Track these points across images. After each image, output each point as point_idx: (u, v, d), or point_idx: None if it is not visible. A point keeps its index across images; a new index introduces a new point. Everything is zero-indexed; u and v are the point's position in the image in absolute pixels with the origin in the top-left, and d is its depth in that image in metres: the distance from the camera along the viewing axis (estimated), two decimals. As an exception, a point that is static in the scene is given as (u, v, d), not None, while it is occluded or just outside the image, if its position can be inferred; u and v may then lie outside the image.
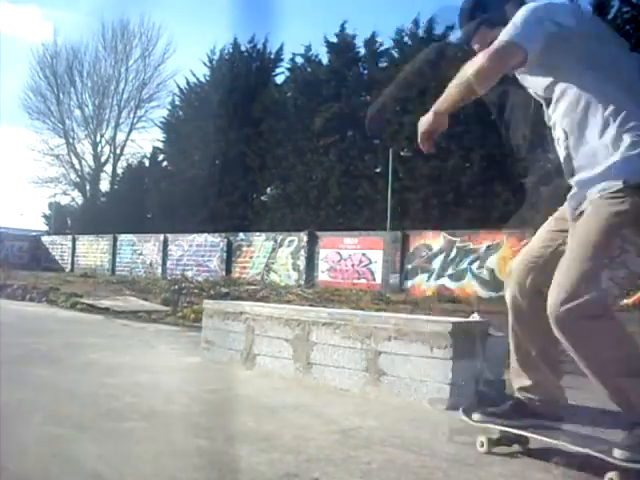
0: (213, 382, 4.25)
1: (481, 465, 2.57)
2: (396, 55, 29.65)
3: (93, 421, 3.05)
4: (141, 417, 3.17)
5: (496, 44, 2.51)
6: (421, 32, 28.89)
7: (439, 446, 2.81)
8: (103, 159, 45.62)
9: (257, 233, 27.37)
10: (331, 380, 4.09)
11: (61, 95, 44.28)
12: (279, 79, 35.39)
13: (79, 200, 46.37)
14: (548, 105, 2.69)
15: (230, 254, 27.67)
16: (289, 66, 34.11)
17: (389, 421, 3.27)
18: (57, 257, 36.81)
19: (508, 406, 2.82)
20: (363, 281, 22.81)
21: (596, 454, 2.39)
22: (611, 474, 2.33)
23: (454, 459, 2.63)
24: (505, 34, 2.51)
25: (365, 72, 30.81)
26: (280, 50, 35.77)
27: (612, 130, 2.44)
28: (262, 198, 33.93)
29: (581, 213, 2.52)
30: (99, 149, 45.45)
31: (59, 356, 5.15)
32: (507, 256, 19.55)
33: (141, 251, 31.87)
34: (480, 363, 3.70)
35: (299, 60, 33.12)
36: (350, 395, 3.88)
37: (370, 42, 30.58)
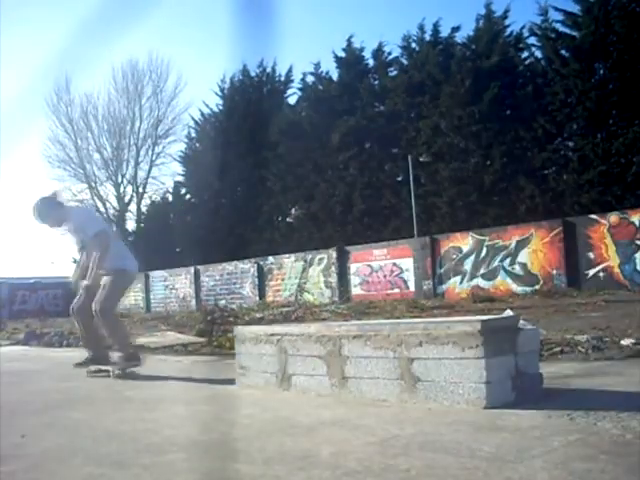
0: (249, 407, 4.25)
1: (521, 460, 2.53)
2: (405, 62, 29.70)
3: (132, 457, 3.05)
4: (180, 448, 3.17)
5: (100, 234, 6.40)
6: (427, 36, 28.95)
7: (478, 446, 2.77)
8: (126, 199, 46.04)
9: (286, 255, 27.42)
10: (367, 392, 4.07)
11: (79, 141, 44.81)
12: (292, 100, 35.67)
13: (108, 242, 46.74)
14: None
15: (262, 278, 27.76)
16: (300, 85, 34.35)
17: (427, 426, 3.24)
18: (92, 300, 37.09)
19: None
20: (397, 291, 22.73)
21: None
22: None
23: (494, 457, 2.60)
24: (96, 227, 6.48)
25: (376, 82, 30.85)
26: (290, 71, 36.17)
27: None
28: (287, 219, 34.02)
29: None
30: (121, 189, 45.88)
31: (98, 396, 5.20)
32: (538, 249, 19.37)
33: (173, 285, 32.11)
34: (514, 358, 3.66)
35: (310, 79, 33.32)
36: (387, 405, 3.85)
37: (378, 52, 30.65)
